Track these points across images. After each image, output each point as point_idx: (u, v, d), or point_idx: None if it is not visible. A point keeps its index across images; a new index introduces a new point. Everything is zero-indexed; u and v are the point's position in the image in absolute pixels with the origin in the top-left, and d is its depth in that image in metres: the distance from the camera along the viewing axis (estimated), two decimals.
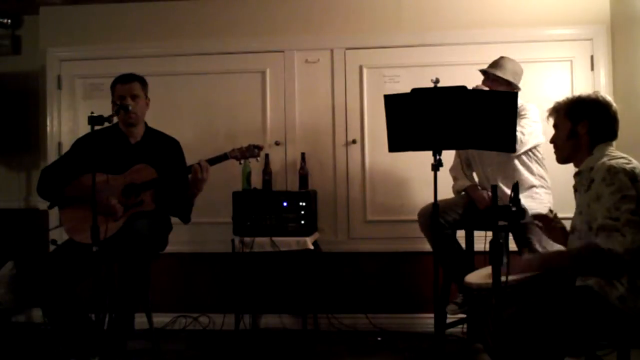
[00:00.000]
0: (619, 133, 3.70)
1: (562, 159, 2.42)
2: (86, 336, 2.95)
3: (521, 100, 3.27)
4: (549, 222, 2.52)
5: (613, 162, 2.18)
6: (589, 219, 2.19)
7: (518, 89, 3.32)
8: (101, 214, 2.92)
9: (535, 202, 3.19)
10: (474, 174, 3.47)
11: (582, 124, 2.31)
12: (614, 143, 2.35)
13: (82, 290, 2.98)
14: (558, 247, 2.50)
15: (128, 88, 3.22)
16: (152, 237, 3.09)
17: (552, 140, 2.45)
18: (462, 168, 3.43)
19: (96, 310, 2.79)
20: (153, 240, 3.12)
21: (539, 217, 2.57)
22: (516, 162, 3.25)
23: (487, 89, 3.22)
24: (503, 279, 2.10)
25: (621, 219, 2.06)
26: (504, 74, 3.27)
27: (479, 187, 3.35)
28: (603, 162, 2.20)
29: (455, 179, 3.44)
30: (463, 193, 3.38)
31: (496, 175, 3.27)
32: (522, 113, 3.19)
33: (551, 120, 2.47)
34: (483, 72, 3.36)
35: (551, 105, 2.46)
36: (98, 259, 2.61)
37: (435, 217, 2.88)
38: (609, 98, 2.36)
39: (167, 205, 3.24)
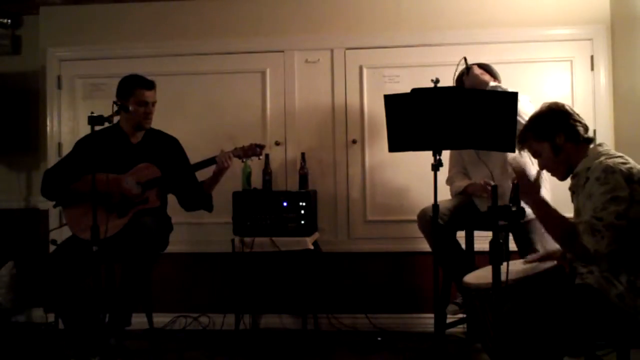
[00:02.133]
0: (619, 132, 3.73)
1: (562, 175, 2.43)
2: (90, 335, 2.96)
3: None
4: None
5: (610, 161, 2.19)
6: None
7: (497, 74, 3.30)
8: (117, 202, 3.04)
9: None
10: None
11: (558, 136, 2.34)
12: (608, 142, 2.37)
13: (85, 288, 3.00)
14: (558, 247, 2.50)
15: (152, 95, 3.25)
16: (160, 233, 3.12)
17: (543, 167, 2.46)
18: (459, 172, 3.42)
19: (96, 309, 2.79)
20: (160, 235, 3.15)
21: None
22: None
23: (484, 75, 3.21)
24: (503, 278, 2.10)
25: (604, 220, 2.08)
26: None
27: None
28: (600, 161, 2.21)
29: (451, 183, 3.43)
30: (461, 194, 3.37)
31: (503, 175, 3.24)
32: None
33: (526, 153, 2.49)
34: (458, 82, 3.31)
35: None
36: (98, 258, 2.63)
37: (435, 218, 2.88)
38: (557, 102, 2.41)
39: (189, 202, 3.32)
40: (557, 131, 2.34)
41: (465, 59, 3.14)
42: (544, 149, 2.38)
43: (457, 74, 3.23)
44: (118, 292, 3.01)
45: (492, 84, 3.18)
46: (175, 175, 3.24)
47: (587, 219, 2.13)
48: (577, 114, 2.38)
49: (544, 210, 2.31)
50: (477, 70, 3.23)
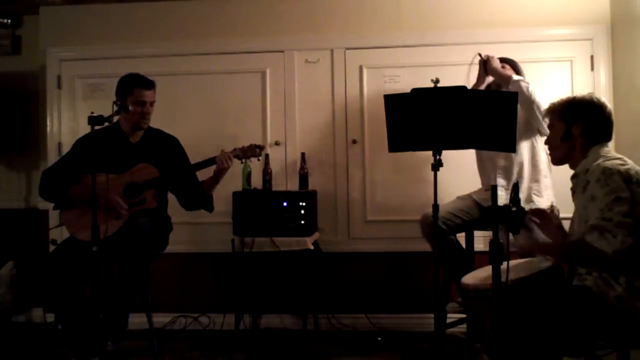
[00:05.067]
0: (619, 132, 3.72)
1: (557, 160, 2.45)
2: (88, 335, 2.96)
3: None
4: (547, 218, 2.53)
5: (608, 163, 2.19)
6: (586, 220, 2.20)
7: (522, 73, 3.33)
8: (105, 211, 2.96)
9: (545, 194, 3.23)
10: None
11: (577, 126, 2.33)
12: (610, 144, 2.37)
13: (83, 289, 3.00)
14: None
15: (150, 94, 3.24)
16: (153, 234, 3.11)
17: (547, 142, 2.48)
18: None
19: (96, 310, 2.79)
20: (154, 238, 3.14)
21: (537, 212, 2.57)
22: (536, 146, 3.26)
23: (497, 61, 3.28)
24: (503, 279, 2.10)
25: (613, 220, 2.08)
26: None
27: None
28: (598, 163, 2.22)
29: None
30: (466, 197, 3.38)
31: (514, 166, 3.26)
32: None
33: (547, 121, 2.49)
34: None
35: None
36: (98, 258, 2.62)
37: (435, 218, 2.88)
38: (604, 99, 2.38)
39: (189, 202, 3.31)
40: (579, 120, 2.32)
41: (480, 54, 3.24)
42: (557, 128, 2.38)
43: (474, 70, 3.28)
44: (113, 294, 3.00)
45: (515, 77, 3.20)
46: (174, 175, 3.23)
47: (594, 222, 2.11)
48: (610, 120, 2.34)
49: (559, 251, 2.35)
50: (497, 63, 3.27)
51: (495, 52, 3.43)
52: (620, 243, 2.05)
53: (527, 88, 3.12)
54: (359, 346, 3.60)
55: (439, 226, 2.97)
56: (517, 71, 3.34)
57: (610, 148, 2.37)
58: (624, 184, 2.12)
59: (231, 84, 4.09)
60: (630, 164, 2.22)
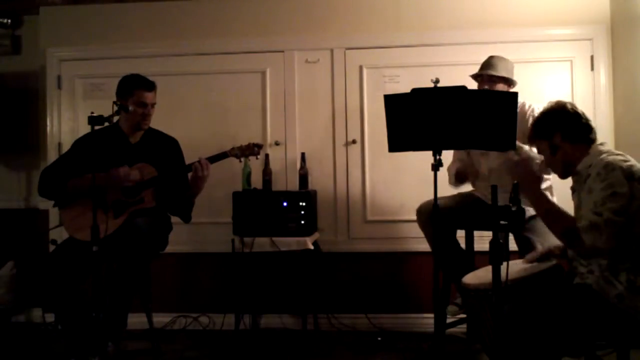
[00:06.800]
0: (619, 132, 3.73)
1: (561, 173, 2.46)
2: (88, 336, 2.95)
3: (527, 101, 3.29)
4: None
5: (610, 158, 2.21)
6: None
7: (515, 83, 3.31)
8: (114, 201, 3.02)
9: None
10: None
11: (555, 136, 2.37)
12: (609, 144, 2.39)
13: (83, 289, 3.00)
14: (560, 243, 2.50)
15: (151, 96, 3.23)
16: (152, 234, 3.11)
17: (547, 165, 2.50)
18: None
19: (96, 309, 2.79)
20: (153, 237, 3.14)
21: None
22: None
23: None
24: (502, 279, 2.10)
25: (603, 216, 2.09)
26: (498, 71, 3.26)
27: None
28: (601, 158, 2.24)
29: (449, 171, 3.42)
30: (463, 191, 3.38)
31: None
32: (530, 112, 3.20)
33: (534, 150, 2.53)
34: (476, 76, 3.34)
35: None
36: (98, 258, 2.62)
37: (435, 218, 2.88)
38: (562, 100, 2.43)
39: (167, 204, 3.26)
40: (554, 130, 2.37)
41: None
42: (544, 147, 2.42)
43: None
44: (112, 294, 3.00)
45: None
46: (172, 175, 3.22)
47: (587, 214, 2.14)
48: (581, 114, 2.37)
49: (545, 205, 2.36)
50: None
51: (495, 52, 3.43)
52: (604, 242, 2.08)
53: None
54: (359, 346, 3.60)
55: (439, 222, 2.96)
56: (509, 83, 3.30)
57: (610, 147, 2.39)
58: (624, 179, 2.13)
59: (231, 84, 4.10)
60: (633, 161, 2.23)
